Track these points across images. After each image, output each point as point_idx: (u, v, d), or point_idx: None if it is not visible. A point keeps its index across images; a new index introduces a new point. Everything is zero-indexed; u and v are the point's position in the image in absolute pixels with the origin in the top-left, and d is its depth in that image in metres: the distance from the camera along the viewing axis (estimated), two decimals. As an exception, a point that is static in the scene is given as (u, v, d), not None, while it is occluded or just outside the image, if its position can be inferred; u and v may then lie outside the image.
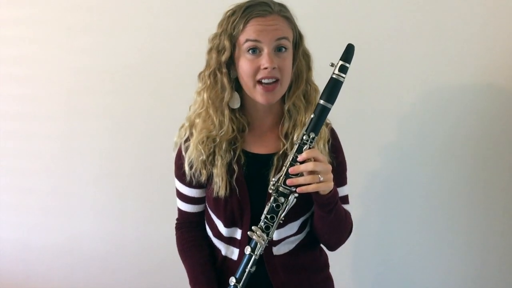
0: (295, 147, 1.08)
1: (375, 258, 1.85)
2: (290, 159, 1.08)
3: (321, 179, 1.05)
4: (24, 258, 2.04)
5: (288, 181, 1.07)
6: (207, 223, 1.33)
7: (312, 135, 1.07)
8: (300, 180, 1.06)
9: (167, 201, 1.50)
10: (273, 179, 1.10)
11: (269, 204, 1.09)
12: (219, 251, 1.29)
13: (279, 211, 1.08)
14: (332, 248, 1.30)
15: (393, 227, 1.81)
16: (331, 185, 1.09)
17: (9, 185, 2.00)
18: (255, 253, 1.09)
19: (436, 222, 1.78)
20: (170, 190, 1.43)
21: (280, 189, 1.08)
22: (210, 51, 1.20)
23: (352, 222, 1.29)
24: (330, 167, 1.09)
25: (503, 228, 1.75)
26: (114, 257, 1.98)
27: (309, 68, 1.22)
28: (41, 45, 1.79)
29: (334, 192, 1.12)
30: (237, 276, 1.12)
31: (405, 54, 1.69)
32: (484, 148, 1.71)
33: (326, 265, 1.36)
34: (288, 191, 1.08)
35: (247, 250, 1.11)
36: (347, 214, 1.24)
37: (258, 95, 1.14)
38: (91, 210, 1.96)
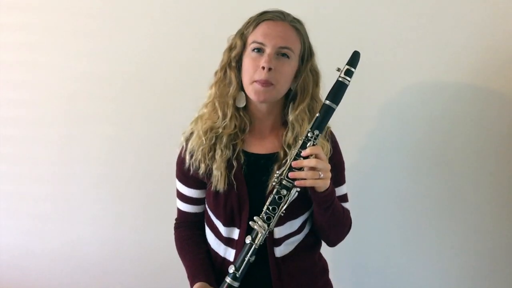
0: (299, 142, 1.14)
1: (370, 262, 1.86)
2: (294, 154, 1.14)
3: (321, 176, 1.11)
4: (22, 263, 2.01)
5: (290, 174, 1.12)
6: (207, 225, 1.36)
7: (316, 132, 1.13)
8: (301, 174, 1.11)
9: (166, 206, 1.50)
10: (277, 172, 1.15)
11: (272, 196, 1.14)
12: (218, 254, 1.32)
13: (281, 203, 1.13)
14: (332, 244, 1.35)
15: (376, 227, 1.83)
16: (327, 182, 1.15)
17: (7, 190, 1.98)
18: (256, 242, 1.14)
19: (425, 223, 1.80)
20: (169, 195, 1.45)
21: (283, 182, 1.14)
22: (226, 49, 1.28)
23: (351, 219, 1.35)
24: (329, 166, 1.15)
25: (495, 226, 1.77)
26: (112, 262, 1.97)
27: (316, 85, 1.28)
28: (40, 50, 1.80)
29: (330, 191, 1.17)
30: (236, 265, 1.15)
31: (390, 54, 1.73)
32: (468, 147, 1.74)
33: (326, 270, 1.40)
34: (291, 184, 1.13)
35: (248, 239, 1.15)
36: (345, 212, 1.30)
37: (252, 92, 1.21)
38: (90, 215, 1.95)
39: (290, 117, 1.25)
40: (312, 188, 1.16)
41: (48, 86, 1.86)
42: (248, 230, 1.22)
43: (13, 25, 1.87)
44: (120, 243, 1.96)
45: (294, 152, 1.14)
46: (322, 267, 1.39)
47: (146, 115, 1.85)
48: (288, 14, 1.24)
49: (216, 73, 1.29)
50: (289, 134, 1.25)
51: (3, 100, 1.92)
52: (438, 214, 1.79)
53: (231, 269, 1.15)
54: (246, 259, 1.14)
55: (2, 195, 1.98)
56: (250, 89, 1.21)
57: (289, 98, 1.28)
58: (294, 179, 1.12)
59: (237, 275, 1.14)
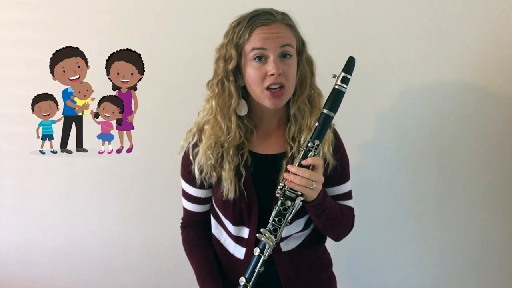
0: (301, 153, 1.15)
1: (371, 257, 1.89)
2: (296, 164, 1.14)
3: (313, 186, 1.12)
4: (27, 260, 2.04)
5: (285, 175, 1.15)
6: (216, 221, 1.37)
7: (316, 142, 1.14)
8: (296, 179, 1.12)
9: (171, 204, 1.51)
10: (280, 184, 1.15)
11: (277, 208, 1.15)
12: (226, 249, 1.34)
13: (286, 214, 1.14)
14: (335, 240, 1.36)
15: (378, 225, 1.85)
16: (315, 194, 1.16)
17: (12, 187, 1.99)
18: (264, 254, 1.15)
19: (424, 220, 1.82)
20: (174, 193, 1.46)
21: (286, 193, 1.14)
22: (217, 60, 1.25)
23: (353, 217, 1.36)
24: (322, 179, 1.16)
25: (498, 224, 1.78)
26: (117, 260, 2.00)
27: (312, 74, 1.27)
28: (47, 48, 1.78)
29: (319, 201, 1.18)
30: (246, 276, 1.17)
31: (388, 55, 1.72)
32: (470, 146, 1.74)
33: (330, 263, 1.42)
34: (295, 194, 1.14)
35: (256, 251, 1.16)
36: (344, 214, 1.30)
37: (266, 100, 1.19)
38: (95, 212, 1.97)
39: (292, 110, 1.25)
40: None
41: (53, 84, 1.83)
42: (258, 228, 1.23)
43: (20, 23, 1.87)
44: (125, 240, 1.98)
45: (296, 163, 1.15)
46: (326, 260, 1.41)
47: (152, 112, 1.85)
48: (277, 12, 1.21)
49: (210, 86, 1.26)
50: (293, 127, 1.26)
51: (7, 97, 1.93)
52: (440, 211, 1.80)
53: (242, 281, 1.17)
54: (256, 270, 1.15)
55: (6, 192, 2.01)
56: (264, 97, 1.19)
57: None
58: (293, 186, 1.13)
59: (248, 287, 1.16)
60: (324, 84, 1.25)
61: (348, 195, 1.36)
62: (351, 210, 1.36)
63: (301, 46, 1.24)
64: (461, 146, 1.75)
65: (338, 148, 1.30)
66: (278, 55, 1.16)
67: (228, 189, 1.23)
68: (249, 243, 1.27)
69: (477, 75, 1.69)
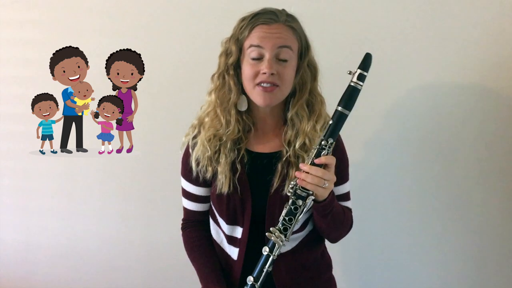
0: (314, 151, 1.13)
1: (375, 258, 1.89)
2: (309, 163, 1.13)
3: (325, 185, 1.12)
4: (27, 260, 2.04)
5: (296, 173, 1.13)
6: (213, 221, 1.37)
7: (330, 140, 1.13)
8: (308, 177, 1.11)
9: (171, 203, 1.50)
10: (292, 183, 1.15)
11: (287, 207, 1.14)
12: (223, 250, 1.33)
13: (297, 213, 1.14)
14: (333, 241, 1.35)
15: (381, 225, 1.85)
16: (327, 193, 1.15)
17: (12, 186, 2.00)
18: (273, 253, 1.14)
19: (425, 220, 1.82)
20: (174, 192, 1.46)
21: (298, 192, 1.13)
22: (221, 54, 1.26)
23: (352, 218, 1.35)
24: (334, 178, 1.15)
25: (500, 225, 1.78)
26: (117, 259, 2.00)
27: (314, 79, 1.27)
28: (47, 47, 1.76)
29: (329, 201, 1.17)
30: (254, 275, 1.16)
31: (394, 53, 1.73)
32: (473, 146, 1.75)
33: (329, 266, 1.41)
34: (306, 194, 1.13)
35: (265, 250, 1.15)
36: (345, 214, 1.29)
37: (256, 96, 1.19)
38: (95, 212, 1.97)
39: (289, 114, 1.25)
40: None
41: (52, 83, 1.81)
42: (251, 229, 1.24)
43: (20, 22, 1.87)
44: (125, 240, 1.98)
45: (308, 161, 1.14)
46: (325, 263, 1.39)
47: (152, 111, 1.85)
48: (281, 13, 1.21)
49: (213, 79, 1.27)
50: (289, 131, 1.25)
51: (7, 96, 1.93)
52: (443, 213, 1.80)
53: (250, 281, 1.16)
54: (265, 270, 1.14)
55: (7, 191, 2.00)
56: (255, 94, 1.19)
57: (289, 95, 1.26)
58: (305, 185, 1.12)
59: (256, 286, 1.15)
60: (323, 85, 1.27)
61: (347, 196, 1.35)
62: (350, 211, 1.35)
63: (305, 50, 1.24)
64: (463, 145, 1.75)
65: (337, 148, 1.29)
66: (274, 55, 1.16)
67: (223, 182, 1.23)
68: (242, 243, 1.27)
69: (478, 75, 1.70)
